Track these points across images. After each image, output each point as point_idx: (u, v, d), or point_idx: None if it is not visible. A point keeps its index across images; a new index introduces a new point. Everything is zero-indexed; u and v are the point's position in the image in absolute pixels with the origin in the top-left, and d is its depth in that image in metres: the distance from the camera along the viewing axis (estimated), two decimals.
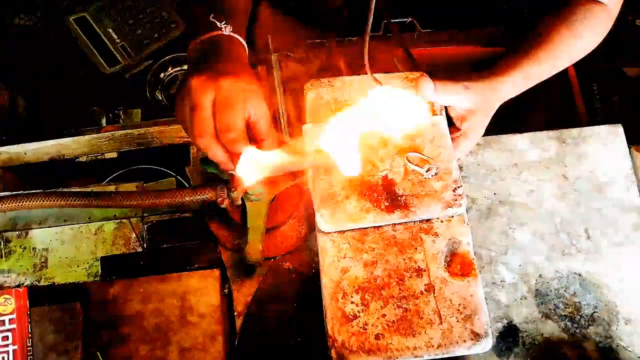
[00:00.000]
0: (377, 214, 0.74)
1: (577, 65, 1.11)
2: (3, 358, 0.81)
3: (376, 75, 0.80)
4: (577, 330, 0.89)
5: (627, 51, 1.29)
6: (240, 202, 0.83)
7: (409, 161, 0.76)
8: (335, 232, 0.75)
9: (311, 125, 0.80)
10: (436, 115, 0.80)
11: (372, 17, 0.60)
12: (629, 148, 0.99)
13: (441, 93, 0.78)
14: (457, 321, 0.71)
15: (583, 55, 0.97)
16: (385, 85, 0.74)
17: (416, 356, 0.70)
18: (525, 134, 1.00)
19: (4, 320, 0.83)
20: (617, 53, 1.25)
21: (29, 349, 0.83)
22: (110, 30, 1.32)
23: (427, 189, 0.75)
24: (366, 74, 0.71)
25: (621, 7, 0.97)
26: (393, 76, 0.83)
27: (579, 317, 0.90)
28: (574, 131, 1.00)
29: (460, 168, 0.97)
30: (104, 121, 1.16)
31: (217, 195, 0.81)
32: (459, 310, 0.72)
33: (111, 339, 0.86)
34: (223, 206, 0.82)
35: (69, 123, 1.11)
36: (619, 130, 1.00)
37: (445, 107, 0.83)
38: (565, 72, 1.10)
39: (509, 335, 0.89)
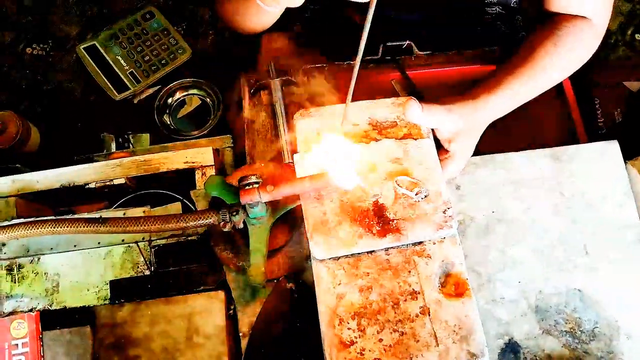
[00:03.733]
0: (369, 239, 0.75)
1: (577, 79, 1.12)
2: None
3: (366, 101, 0.82)
4: (579, 346, 0.89)
5: (628, 65, 1.30)
6: (242, 225, 0.85)
7: (398, 185, 0.77)
8: (329, 258, 0.76)
9: (302, 154, 0.81)
10: (424, 138, 0.81)
11: (364, 46, 0.62)
12: (625, 163, 0.99)
13: (426, 115, 0.80)
14: (454, 342, 0.71)
15: (573, 71, 0.98)
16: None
17: None
18: (521, 152, 1.01)
19: (17, 344, 0.85)
20: (619, 67, 1.26)
21: None
22: (119, 57, 1.36)
23: (418, 211, 0.76)
24: (357, 101, 0.73)
25: (622, 22, 0.98)
26: (382, 102, 0.84)
27: (579, 332, 0.90)
28: (570, 148, 1.01)
29: (458, 187, 0.99)
30: (113, 146, 1.18)
31: (220, 219, 0.84)
32: (454, 331, 0.72)
33: None
34: (226, 230, 0.85)
35: (81, 149, 1.14)
36: (614, 146, 1.00)
37: (433, 130, 0.84)
38: (562, 88, 1.11)
39: (510, 352, 0.89)
